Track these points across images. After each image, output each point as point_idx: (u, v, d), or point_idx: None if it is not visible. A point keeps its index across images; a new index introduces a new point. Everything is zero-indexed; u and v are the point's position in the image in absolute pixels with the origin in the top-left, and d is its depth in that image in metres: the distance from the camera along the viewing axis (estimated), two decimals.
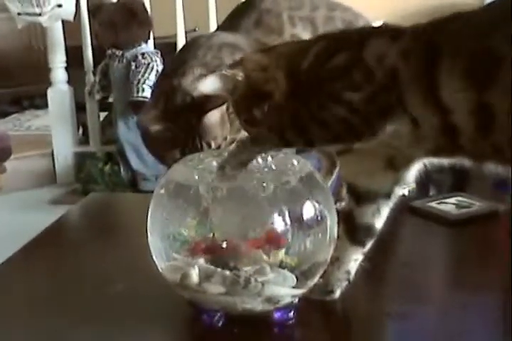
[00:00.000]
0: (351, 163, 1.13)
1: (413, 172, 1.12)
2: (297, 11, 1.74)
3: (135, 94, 3.44)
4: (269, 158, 1.15)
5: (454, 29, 1.02)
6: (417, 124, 1.00)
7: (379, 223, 1.15)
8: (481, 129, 0.96)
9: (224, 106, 1.54)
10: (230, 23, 1.79)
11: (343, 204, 1.60)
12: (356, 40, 1.06)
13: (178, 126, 1.53)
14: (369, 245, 1.15)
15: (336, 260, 1.15)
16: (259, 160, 1.13)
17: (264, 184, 1.06)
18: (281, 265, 1.08)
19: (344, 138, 1.04)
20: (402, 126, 1.01)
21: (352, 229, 1.15)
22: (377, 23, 1.97)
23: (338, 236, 1.12)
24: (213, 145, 1.54)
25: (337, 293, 1.15)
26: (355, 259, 1.15)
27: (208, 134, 1.54)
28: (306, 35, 1.74)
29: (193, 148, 1.52)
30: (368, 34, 1.07)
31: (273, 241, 1.07)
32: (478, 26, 1.00)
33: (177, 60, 1.69)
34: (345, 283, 1.15)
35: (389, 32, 1.06)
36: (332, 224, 1.11)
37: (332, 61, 1.04)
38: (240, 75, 1.08)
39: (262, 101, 1.08)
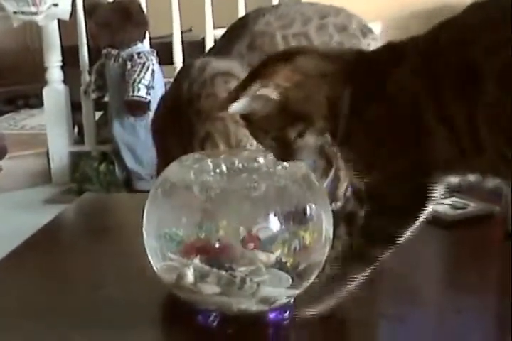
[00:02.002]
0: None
1: None
2: (289, 29, 1.75)
3: (130, 94, 3.44)
4: (262, 159, 1.15)
5: None
6: None
7: None
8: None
9: None
10: (223, 46, 1.80)
11: (339, 204, 1.61)
12: None
13: None
14: None
15: (335, 261, 1.15)
16: (257, 160, 1.13)
17: (260, 184, 1.06)
18: (277, 265, 1.08)
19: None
20: None
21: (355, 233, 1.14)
22: (373, 25, 1.97)
23: (337, 237, 1.12)
24: None
25: None
26: None
27: None
28: None
29: None
30: None
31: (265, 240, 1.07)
32: None
33: (173, 97, 1.70)
34: None
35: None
36: (327, 224, 1.11)
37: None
38: (274, 94, 1.04)
39: (299, 123, 1.05)
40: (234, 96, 1.04)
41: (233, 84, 1.66)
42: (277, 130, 1.06)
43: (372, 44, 1.87)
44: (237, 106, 1.04)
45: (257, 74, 1.06)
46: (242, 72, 1.69)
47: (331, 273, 1.03)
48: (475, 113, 0.93)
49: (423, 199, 1.00)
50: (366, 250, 1.02)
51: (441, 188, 1.02)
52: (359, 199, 1.11)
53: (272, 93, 1.03)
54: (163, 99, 1.78)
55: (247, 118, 1.08)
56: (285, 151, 1.07)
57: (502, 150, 0.92)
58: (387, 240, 1.01)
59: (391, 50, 1.06)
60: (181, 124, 1.64)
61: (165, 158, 1.54)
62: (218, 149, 1.60)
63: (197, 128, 1.62)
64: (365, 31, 1.87)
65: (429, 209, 1.01)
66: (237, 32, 1.79)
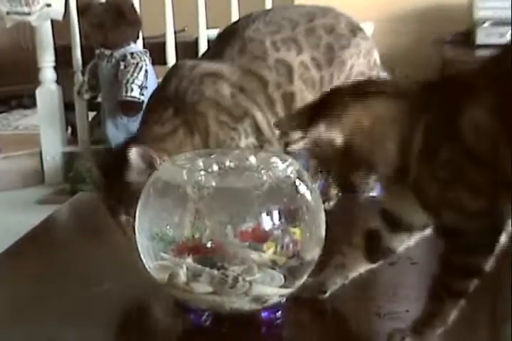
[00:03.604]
0: (395, 194, 1.08)
1: None
2: (278, 35, 1.77)
3: (124, 94, 3.44)
4: (253, 158, 1.15)
5: None
6: None
7: (402, 248, 1.13)
8: None
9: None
10: (214, 50, 1.81)
11: (331, 203, 1.62)
12: None
13: None
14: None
15: (341, 266, 1.15)
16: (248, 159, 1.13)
17: (252, 184, 1.06)
18: (269, 264, 1.08)
19: None
20: None
21: (374, 250, 1.13)
22: (365, 25, 1.98)
23: (353, 245, 1.13)
24: None
25: (328, 293, 1.16)
26: (360, 271, 1.16)
27: None
28: (291, 55, 1.77)
29: None
30: None
31: (258, 239, 1.07)
32: None
33: (160, 94, 1.71)
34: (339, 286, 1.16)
35: None
36: (320, 223, 1.11)
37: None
38: (339, 139, 0.99)
39: (362, 168, 1.02)
40: (293, 129, 0.99)
41: (221, 85, 1.68)
42: (338, 171, 1.04)
43: (362, 43, 1.88)
44: (296, 147, 1.01)
45: (322, 112, 1.00)
46: (232, 74, 1.71)
47: (429, 312, 1.01)
48: None
49: (499, 232, 0.97)
50: (454, 284, 1.00)
51: None
52: (387, 221, 1.10)
53: (337, 137, 0.99)
54: (152, 94, 1.80)
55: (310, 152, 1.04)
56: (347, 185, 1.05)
57: None
58: (471, 272, 0.99)
59: (460, 78, 1.00)
60: (162, 114, 1.65)
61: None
62: (192, 140, 1.61)
63: (178, 117, 1.63)
64: (355, 30, 1.88)
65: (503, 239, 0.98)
66: (228, 38, 1.81)
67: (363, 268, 1.15)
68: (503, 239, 0.98)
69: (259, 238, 1.08)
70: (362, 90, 1.03)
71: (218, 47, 1.79)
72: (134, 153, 1.49)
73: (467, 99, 0.94)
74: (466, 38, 3.79)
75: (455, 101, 0.95)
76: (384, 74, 2.05)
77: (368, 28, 2.01)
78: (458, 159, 0.94)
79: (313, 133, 0.99)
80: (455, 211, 0.96)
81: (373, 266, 1.15)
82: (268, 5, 3.69)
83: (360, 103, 1.00)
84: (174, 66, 1.81)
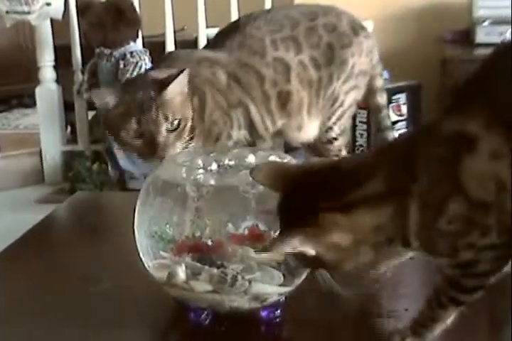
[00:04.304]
0: None
1: None
2: (278, 34, 1.77)
3: None
4: (252, 156, 1.15)
5: None
6: None
7: None
8: None
9: (186, 90, 1.55)
10: (214, 43, 1.82)
11: None
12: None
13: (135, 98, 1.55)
14: None
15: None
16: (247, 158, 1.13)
17: (251, 182, 1.06)
18: (269, 263, 1.08)
19: None
20: None
21: None
22: (364, 24, 1.98)
23: None
24: (170, 118, 1.54)
25: None
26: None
27: (166, 106, 1.54)
28: (289, 55, 1.77)
29: (150, 119, 1.53)
30: None
31: (257, 238, 1.07)
32: None
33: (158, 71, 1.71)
34: None
35: None
36: None
37: None
38: (311, 252, 0.94)
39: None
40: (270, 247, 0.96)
41: (217, 70, 1.67)
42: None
43: (364, 42, 1.88)
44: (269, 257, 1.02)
45: (297, 229, 0.94)
46: (229, 64, 1.71)
47: (430, 317, 1.00)
48: None
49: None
50: (461, 297, 0.98)
51: None
52: None
53: (309, 251, 0.94)
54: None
55: None
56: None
57: None
58: (480, 289, 0.98)
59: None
60: None
61: None
62: (192, 100, 1.61)
63: None
64: (357, 29, 1.87)
65: None
66: (228, 33, 1.81)
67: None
68: None
69: (258, 236, 1.08)
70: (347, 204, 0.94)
71: (218, 41, 1.80)
72: None
73: (461, 152, 0.90)
74: (466, 36, 3.79)
75: (447, 159, 0.91)
76: (384, 73, 2.06)
77: (368, 26, 2.01)
78: (465, 210, 0.91)
79: (288, 247, 0.94)
80: (471, 251, 0.93)
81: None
82: (267, 3, 3.69)
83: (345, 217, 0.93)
84: (170, 52, 1.82)
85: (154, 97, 1.54)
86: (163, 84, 1.55)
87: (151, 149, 1.54)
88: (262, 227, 1.09)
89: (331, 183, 0.95)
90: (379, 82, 1.99)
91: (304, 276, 1.11)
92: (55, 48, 3.89)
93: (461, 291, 0.98)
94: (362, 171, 0.95)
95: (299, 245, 0.93)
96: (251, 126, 1.75)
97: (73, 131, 4.08)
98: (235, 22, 1.91)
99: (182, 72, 1.55)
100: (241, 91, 1.74)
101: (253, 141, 1.76)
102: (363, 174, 0.94)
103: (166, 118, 1.54)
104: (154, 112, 1.53)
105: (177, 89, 1.56)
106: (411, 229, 0.93)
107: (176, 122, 1.55)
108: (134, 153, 1.60)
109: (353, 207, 0.93)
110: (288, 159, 1.12)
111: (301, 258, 0.96)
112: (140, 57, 3.49)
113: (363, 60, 1.88)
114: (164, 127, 1.54)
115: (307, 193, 0.95)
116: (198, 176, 1.09)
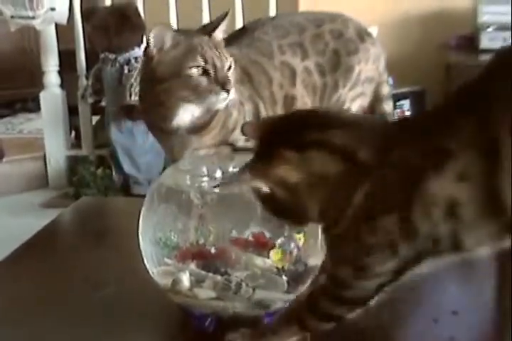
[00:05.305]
0: None
1: None
2: (285, 39, 1.78)
3: (127, 98, 3.44)
4: None
5: None
6: None
7: None
8: None
9: None
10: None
11: None
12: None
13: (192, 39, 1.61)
14: None
15: None
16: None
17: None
18: (273, 270, 1.09)
19: None
20: None
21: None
22: (370, 29, 1.98)
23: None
24: (227, 57, 1.61)
25: None
26: None
27: (221, 46, 1.64)
28: (295, 60, 1.77)
29: (215, 55, 1.59)
30: None
31: (261, 245, 1.08)
32: None
33: None
34: None
35: None
36: None
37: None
38: (264, 188, 0.94)
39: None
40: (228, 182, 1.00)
41: (233, 61, 1.67)
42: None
43: (371, 49, 1.88)
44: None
45: (252, 164, 0.96)
46: (242, 58, 1.73)
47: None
48: None
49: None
50: (307, 320, 0.98)
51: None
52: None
53: (262, 186, 0.95)
54: None
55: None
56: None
57: None
58: (332, 319, 0.98)
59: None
60: None
61: None
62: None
63: None
64: (363, 35, 1.87)
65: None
66: (235, 37, 1.81)
67: None
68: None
69: (263, 244, 1.08)
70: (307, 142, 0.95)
71: (228, 40, 1.80)
72: None
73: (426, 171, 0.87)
74: (470, 42, 3.79)
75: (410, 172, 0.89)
76: (389, 80, 2.06)
77: (372, 32, 2.01)
78: (393, 229, 0.89)
79: (242, 181, 0.96)
80: (358, 271, 0.92)
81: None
82: (272, 10, 3.70)
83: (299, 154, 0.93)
84: None
85: (209, 39, 1.61)
86: (211, 28, 1.63)
87: (219, 83, 1.56)
88: (266, 234, 1.09)
89: (299, 126, 0.96)
90: (385, 90, 1.98)
91: (308, 283, 1.11)
92: (60, 53, 3.90)
93: (316, 314, 0.97)
94: (340, 120, 0.96)
95: (250, 178, 0.94)
96: None
97: (77, 136, 4.09)
98: (241, 28, 1.92)
99: (224, 17, 1.63)
100: (252, 88, 1.74)
101: None
102: (338, 122, 0.95)
103: (225, 56, 1.60)
104: (216, 49, 1.59)
105: (221, 35, 1.64)
106: (350, 209, 0.91)
107: (228, 62, 1.61)
108: (191, 96, 1.58)
109: (308, 148, 0.93)
110: None
111: (258, 194, 0.96)
112: None
113: (370, 66, 1.88)
114: (226, 63, 1.59)
115: (274, 136, 0.96)
116: (203, 183, 1.10)
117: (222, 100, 1.56)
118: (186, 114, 1.61)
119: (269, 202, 0.97)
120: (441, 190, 0.86)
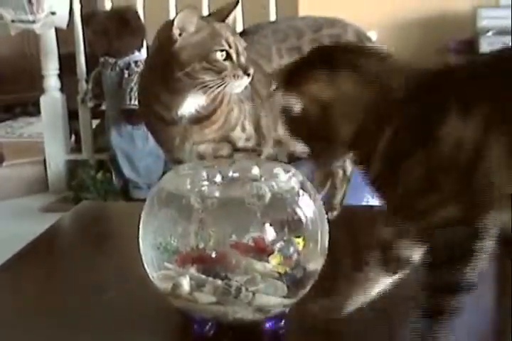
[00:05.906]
0: None
1: None
2: (283, 43, 1.78)
3: (127, 102, 3.45)
4: (256, 168, 1.16)
5: None
6: None
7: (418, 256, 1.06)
8: None
9: None
10: None
11: (335, 213, 1.62)
12: None
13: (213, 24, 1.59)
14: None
15: (361, 283, 1.08)
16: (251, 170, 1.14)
17: (255, 194, 1.06)
18: (273, 275, 1.09)
19: None
20: None
21: (389, 261, 1.06)
22: (369, 34, 1.98)
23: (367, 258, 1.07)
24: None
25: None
26: (381, 287, 1.09)
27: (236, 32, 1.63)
28: None
29: (237, 39, 1.58)
30: None
31: (261, 250, 1.08)
32: None
33: None
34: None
35: None
36: (323, 234, 1.11)
37: None
38: (296, 107, 0.96)
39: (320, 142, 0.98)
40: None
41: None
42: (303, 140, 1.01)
43: None
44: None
45: (288, 78, 0.98)
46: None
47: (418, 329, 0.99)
48: None
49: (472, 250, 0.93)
50: (441, 302, 0.97)
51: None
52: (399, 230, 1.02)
53: (295, 105, 0.96)
54: None
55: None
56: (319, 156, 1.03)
57: None
58: (456, 289, 0.95)
59: (446, 79, 0.94)
60: None
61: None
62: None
63: None
64: (363, 40, 1.88)
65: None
66: None
67: (382, 283, 1.08)
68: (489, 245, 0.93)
69: (263, 248, 1.08)
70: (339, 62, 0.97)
71: None
72: None
73: (454, 108, 0.89)
74: (470, 46, 3.80)
75: (439, 108, 0.90)
76: None
77: (372, 37, 2.01)
78: (431, 167, 0.89)
79: (276, 99, 0.98)
80: (421, 216, 0.92)
81: (392, 280, 1.08)
82: (272, 15, 3.70)
83: (331, 74, 0.95)
84: None
85: (227, 25, 1.60)
86: (224, 15, 1.61)
87: (242, 68, 1.56)
88: (266, 239, 1.09)
89: (334, 49, 1.04)
90: None
91: (308, 288, 1.11)
92: (60, 57, 3.91)
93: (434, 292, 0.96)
94: (377, 53, 1.00)
95: (285, 92, 0.96)
96: (257, 126, 1.74)
97: (77, 140, 4.09)
98: (241, 32, 1.92)
99: (235, 5, 1.62)
100: (251, 87, 1.74)
101: (258, 144, 1.75)
102: (375, 54, 0.99)
103: (242, 43, 1.59)
104: (236, 34, 1.59)
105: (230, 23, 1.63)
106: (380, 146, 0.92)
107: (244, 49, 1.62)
108: (215, 80, 1.59)
109: (342, 69, 0.95)
110: (293, 171, 1.13)
111: (288, 116, 0.97)
112: None
113: None
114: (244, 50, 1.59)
115: (310, 57, 1.01)
116: (203, 188, 1.10)
117: (243, 84, 1.57)
118: (193, 103, 1.61)
119: (298, 125, 0.97)
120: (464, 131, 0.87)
